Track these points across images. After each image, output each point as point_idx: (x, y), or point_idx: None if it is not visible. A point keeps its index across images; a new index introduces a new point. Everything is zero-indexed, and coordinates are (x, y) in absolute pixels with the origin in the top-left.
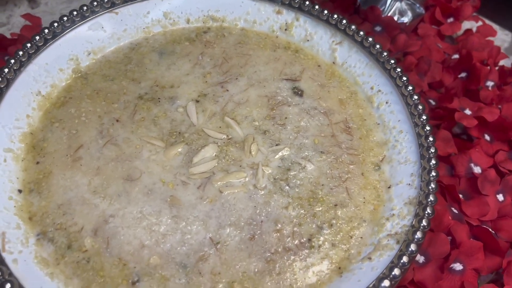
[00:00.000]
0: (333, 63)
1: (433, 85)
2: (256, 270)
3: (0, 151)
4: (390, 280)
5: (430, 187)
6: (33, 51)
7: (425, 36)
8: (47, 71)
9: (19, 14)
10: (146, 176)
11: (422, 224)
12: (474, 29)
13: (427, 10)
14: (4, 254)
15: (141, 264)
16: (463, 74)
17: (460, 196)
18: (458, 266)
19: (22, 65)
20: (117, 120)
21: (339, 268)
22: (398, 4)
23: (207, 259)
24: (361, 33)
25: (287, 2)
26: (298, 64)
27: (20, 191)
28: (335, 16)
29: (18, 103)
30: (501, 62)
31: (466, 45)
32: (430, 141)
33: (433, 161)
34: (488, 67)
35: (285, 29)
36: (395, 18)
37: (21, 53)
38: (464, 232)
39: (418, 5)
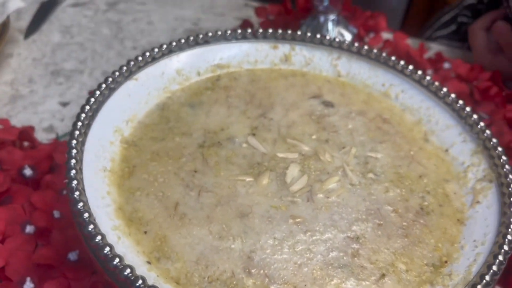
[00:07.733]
0: (339, 76)
1: None
2: (402, 246)
3: (109, 230)
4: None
5: (484, 131)
6: (83, 130)
7: None
8: (102, 146)
9: None
10: (256, 208)
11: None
12: (391, 38)
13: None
14: None
15: (309, 280)
16: None
17: None
18: None
19: (83, 143)
20: (195, 171)
21: (458, 220)
22: (335, 28)
23: (358, 253)
24: (356, 44)
25: (280, 37)
26: (311, 84)
27: (149, 262)
28: (327, 37)
29: (94, 180)
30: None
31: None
32: (460, 104)
33: (475, 116)
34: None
35: (285, 60)
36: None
37: (77, 133)
38: None
39: (351, 26)
